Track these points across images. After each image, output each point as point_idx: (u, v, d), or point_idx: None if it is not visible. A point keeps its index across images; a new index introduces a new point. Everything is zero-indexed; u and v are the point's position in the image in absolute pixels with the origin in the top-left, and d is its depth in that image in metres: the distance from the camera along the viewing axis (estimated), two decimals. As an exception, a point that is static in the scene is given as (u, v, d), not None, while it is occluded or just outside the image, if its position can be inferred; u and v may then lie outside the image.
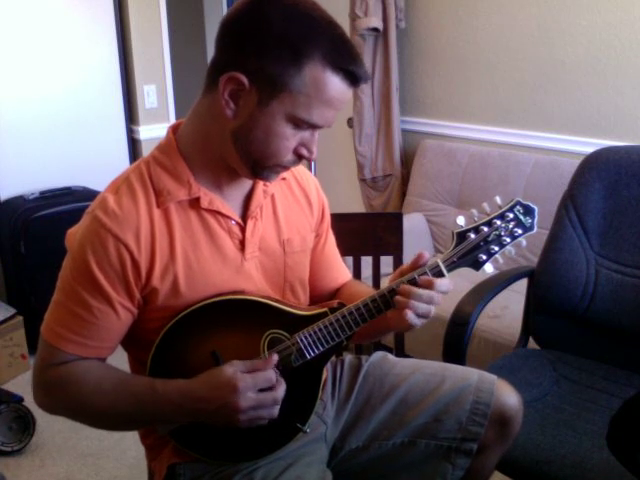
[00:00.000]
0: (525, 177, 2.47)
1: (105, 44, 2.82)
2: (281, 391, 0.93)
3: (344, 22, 2.77)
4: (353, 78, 0.90)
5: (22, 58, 2.57)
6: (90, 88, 2.81)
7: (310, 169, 2.67)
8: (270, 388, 0.92)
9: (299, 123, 0.90)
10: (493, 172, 2.57)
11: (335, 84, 0.88)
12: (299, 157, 0.96)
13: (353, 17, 2.73)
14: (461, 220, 1.01)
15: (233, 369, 0.90)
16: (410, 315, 0.95)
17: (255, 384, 0.90)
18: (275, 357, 0.96)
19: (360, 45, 2.77)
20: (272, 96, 0.88)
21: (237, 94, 0.89)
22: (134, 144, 3.05)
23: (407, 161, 2.99)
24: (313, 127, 0.92)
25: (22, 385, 2.35)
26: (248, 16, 0.89)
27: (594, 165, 1.65)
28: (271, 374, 0.92)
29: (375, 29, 2.72)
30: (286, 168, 0.98)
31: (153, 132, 3.02)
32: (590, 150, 1.71)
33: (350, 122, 3.00)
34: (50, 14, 2.61)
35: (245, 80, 0.88)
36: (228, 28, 0.91)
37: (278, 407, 0.93)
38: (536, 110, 2.56)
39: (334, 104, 0.90)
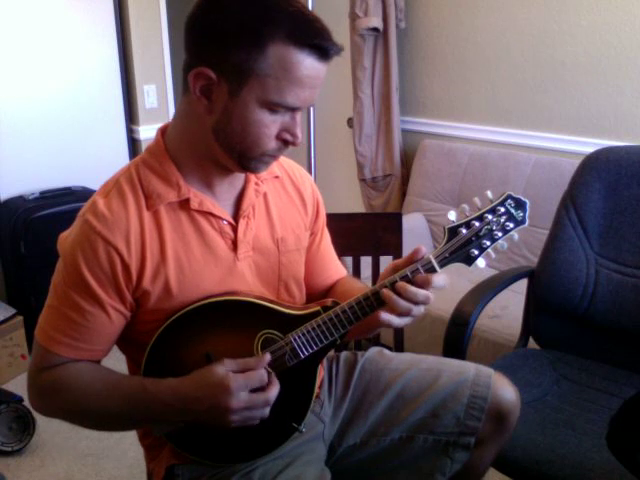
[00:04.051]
0: (525, 177, 2.47)
1: (105, 44, 2.82)
2: (274, 392, 0.92)
3: (344, 22, 2.77)
4: (321, 52, 0.87)
5: (22, 58, 2.56)
6: (90, 88, 2.81)
7: (310, 169, 2.67)
8: (262, 388, 0.91)
9: (274, 107, 0.88)
10: (493, 172, 2.57)
11: (302, 61, 0.86)
12: (284, 143, 0.94)
13: (353, 17, 2.73)
14: (452, 215, 0.99)
15: (225, 369, 0.90)
16: (394, 317, 0.94)
17: (247, 384, 0.89)
18: (267, 356, 0.95)
19: (360, 45, 2.77)
20: (241, 85, 0.87)
21: (208, 89, 0.89)
22: (134, 144, 3.05)
23: (407, 161, 2.98)
24: (291, 110, 0.90)
25: (22, 385, 2.35)
26: (205, 10, 0.88)
27: (594, 165, 1.65)
28: (263, 374, 0.91)
29: (375, 29, 2.72)
30: (274, 157, 0.96)
31: (153, 132, 2.93)
32: (590, 150, 1.71)
33: (350, 122, 3.01)
34: (50, 14, 2.61)
35: (212, 74, 0.87)
36: (189, 26, 0.90)
37: (269, 407, 0.92)
38: (536, 110, 2.56)
39: (306, 82, 0.87)
